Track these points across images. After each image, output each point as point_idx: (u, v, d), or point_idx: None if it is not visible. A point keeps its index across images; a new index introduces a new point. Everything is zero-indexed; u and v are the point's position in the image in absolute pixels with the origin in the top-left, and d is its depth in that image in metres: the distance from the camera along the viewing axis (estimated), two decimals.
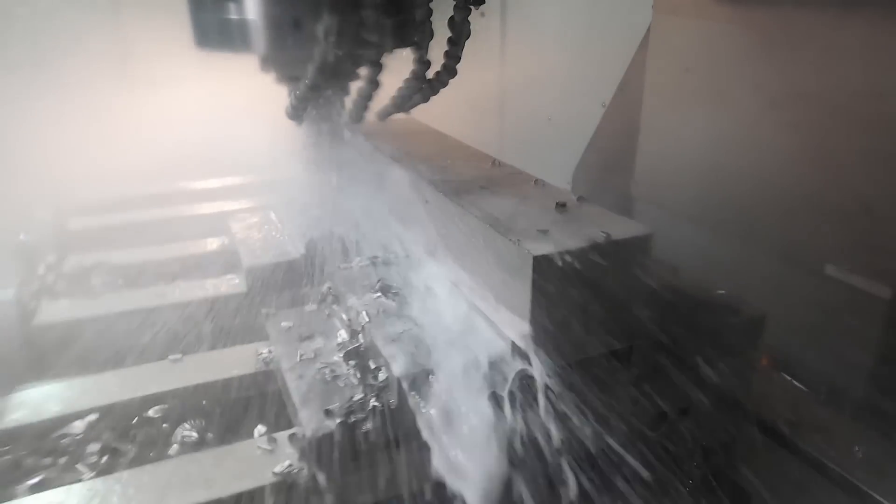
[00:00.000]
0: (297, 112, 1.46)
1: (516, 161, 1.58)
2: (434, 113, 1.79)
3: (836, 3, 1.46)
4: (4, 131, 2.28)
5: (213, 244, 1.82)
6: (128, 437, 1.19)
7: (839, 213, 1.52)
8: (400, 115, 1.80)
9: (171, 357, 1.33)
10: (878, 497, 1.24)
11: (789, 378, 1.60)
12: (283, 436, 1.11)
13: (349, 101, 1.52)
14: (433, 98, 1.65)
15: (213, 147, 2.20)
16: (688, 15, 1.80)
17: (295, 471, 1.04)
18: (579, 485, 1.06)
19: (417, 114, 1.81)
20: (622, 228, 1.14)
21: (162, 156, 2.22)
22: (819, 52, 1.51)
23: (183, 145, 2.24)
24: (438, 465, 1.07)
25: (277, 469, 1.03)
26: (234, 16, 1.37)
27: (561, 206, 1.24)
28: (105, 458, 1.15)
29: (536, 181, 1.43)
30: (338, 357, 1.24)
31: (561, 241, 1.09)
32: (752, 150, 1.71)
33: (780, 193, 1.65)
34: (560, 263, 1.05)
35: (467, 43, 1.54)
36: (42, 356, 1.40)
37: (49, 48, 2.37)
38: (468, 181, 1.41)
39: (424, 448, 1.09)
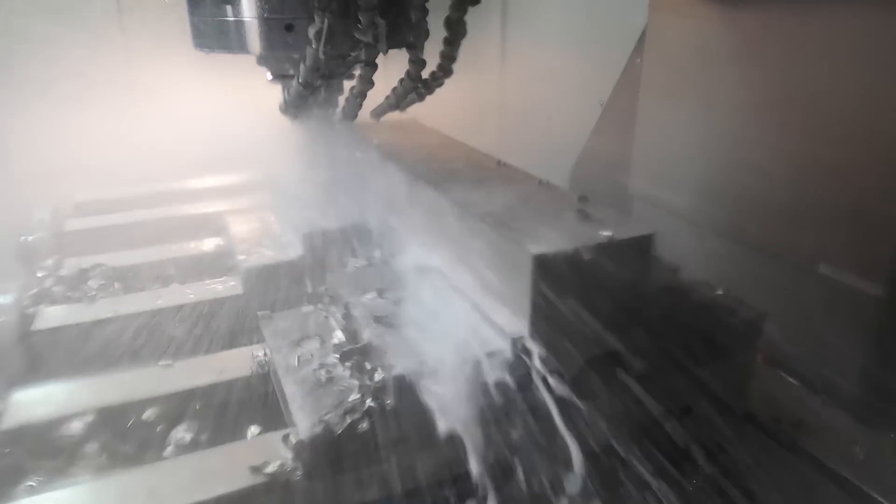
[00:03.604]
0: (290, 108, 1.47)
1: (515, 159, 1.57)
2: (433, 112, 1.79)
3: (830, 3, 1.46)
4: (4, 133, 2.30)
5: (209, 245, 1.82)
6: (124, 440, 1.19)
7: (831, 211, 1.52)
8: (400, 116, 1.80)
9: (167, 361, 1.33)
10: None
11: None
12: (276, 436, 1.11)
13: (343, 99, 1.52)
14: (433, 97, 1.65)
15: (210, 146, 2.20)
16: (683, 15, 1.80)
17: (287, 470, 1.04)
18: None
19: (418, 114, 1.81)
20: (624, 228, 1.13)
21: (160, 156, 2.23)
22: (812, 51, 1.51)
23: (182, 145, 2.25)
24: None
25: (269, 470, 1.03)
26: (229, 17, 1.38)
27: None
28: (101, 460, 1.15)
29: (540, 182, 1.42)
30: (334, 358, 1.23)
31: (562, 240, 1.08)
32: (746, 149, 1.71)
33: (773, 192, 1.65)
34: (560, 262, 1.05)
35: (468, 42, 1.54)
36: (39, 360, 1.40)
37: (48, 51, 2.38)
38: (471, 181, 1.41)
39: (421, 448, 1.09)
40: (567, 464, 1.08)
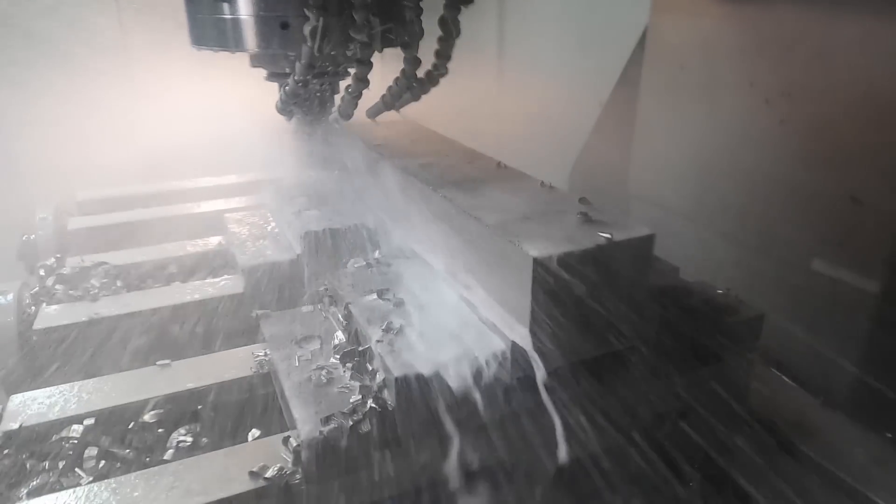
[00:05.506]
0: (286, 107, 1.47)
1: (513, 160, 1.57)
2: (431, 112, 1.78)
3: (828, 2, 1.45)
4: (7, 133, 2.30)
5: (210, 243, 1.82)
6: (124, 442, 1.19)
7: (830, 206, 1.52)
8: (398, 115, 1.79)
9: (166, 361, 1.34)
10: None
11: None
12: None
13: (338, 98, 1.52)
14: (431, 97, 1.64)
15: (209, 145, 2.20)
16: (685, 14, 1.79)
17: (287, 473, 1.04)
18: None
19: (416, 114, 1.80)
20: (624, 229, 1.13)
21: (160, 155, 2.23)
22: (812, 50, 1.51)
23: (182, 144, 2.25)
24: None
25: (269, 474, 1.03)
26: (226, 15, 1.38)
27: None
28: (102, 463, 1.15)
29: (542, 183, 1.41)
30: (334, 359, 1.24)
31: (562, 243, 1.08)
32: (747, 147, 1.71)
33: (773, 188, 1.65)
34: (561, 266, 1.04)
35: (466, 41, 1.54)
36: (40, 360, 1.41)
37: (51, 53, 2.38)
38: (471, 183, 1.40)
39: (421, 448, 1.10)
40: (565, 463, 1.09)
